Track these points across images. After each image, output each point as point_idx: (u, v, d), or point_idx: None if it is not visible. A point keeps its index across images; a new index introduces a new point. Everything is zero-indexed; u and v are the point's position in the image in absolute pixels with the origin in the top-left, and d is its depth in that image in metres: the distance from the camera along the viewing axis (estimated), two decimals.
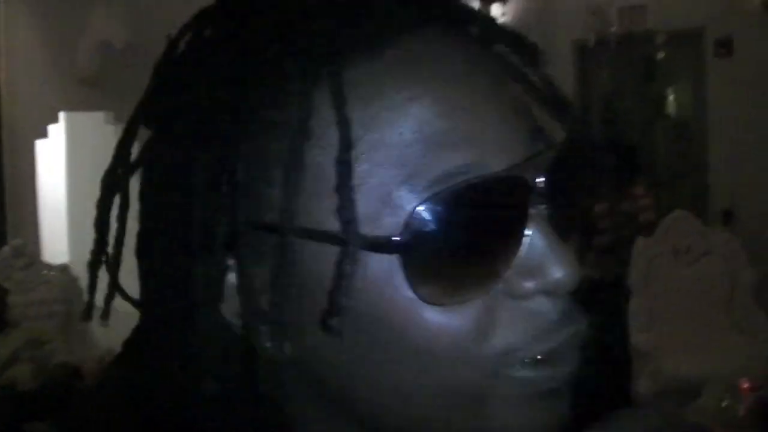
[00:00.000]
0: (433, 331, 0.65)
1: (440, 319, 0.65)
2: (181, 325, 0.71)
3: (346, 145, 0.63)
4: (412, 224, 0.63)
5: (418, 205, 0.63)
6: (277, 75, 0.65)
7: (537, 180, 0.66)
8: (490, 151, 0.65)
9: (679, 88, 9.35)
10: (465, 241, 0.65)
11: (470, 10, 0.74)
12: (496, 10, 8.70)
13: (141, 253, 0.82)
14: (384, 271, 0.65)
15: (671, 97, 9.57)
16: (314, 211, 0.65)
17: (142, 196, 0.80)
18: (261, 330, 0.68)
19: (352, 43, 0.65)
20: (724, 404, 4.36)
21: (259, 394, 0.71)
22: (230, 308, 0.70)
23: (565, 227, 0.68)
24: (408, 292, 0.65)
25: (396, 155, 0.64)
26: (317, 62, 0.64)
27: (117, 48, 7.83)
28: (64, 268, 7.28)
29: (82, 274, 6.96)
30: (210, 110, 0.68)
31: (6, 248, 7.31)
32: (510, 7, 8.52)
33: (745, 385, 4.47)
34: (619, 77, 9.21)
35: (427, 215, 0.63)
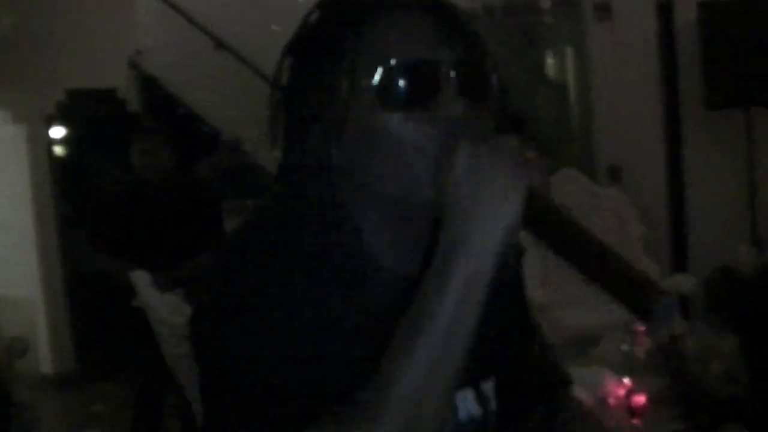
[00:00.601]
0: (398, 134, 1.36)
1: (400, 128, 1.36)
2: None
3: (354, 57, 1.40)
4: (383, 79, 1.37)
5: (387, 70, 1.37)
6: (330, 36, 1.43)
7: (451, 71, 1.38)
8: (426, 54, 1.39)
9: (558, 53, 9.60)
10: (408, 88, 1.37)
11: (435, 2, 1.44)
12: None
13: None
14: (373, 100, 1.38)
15: (551, 61, 9.82)
16: (345, 87, 1.40)
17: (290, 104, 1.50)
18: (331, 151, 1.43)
19: (365, 17, 1.41)
20: (623, 348, 4.52)
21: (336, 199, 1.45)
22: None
23: (469, 97, 1.40)
24: (383, 111, 1.37)
25: (382, 58, 1.38)
26: (349, 27, 1.41)
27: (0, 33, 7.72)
28: None
29: None
30: (315, 58, 1.46)
31: None
32: None
33: (641, 330, 4.66)
34: (502, 44, 9.41)
35: (390, 74, 1.37)
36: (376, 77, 1.36)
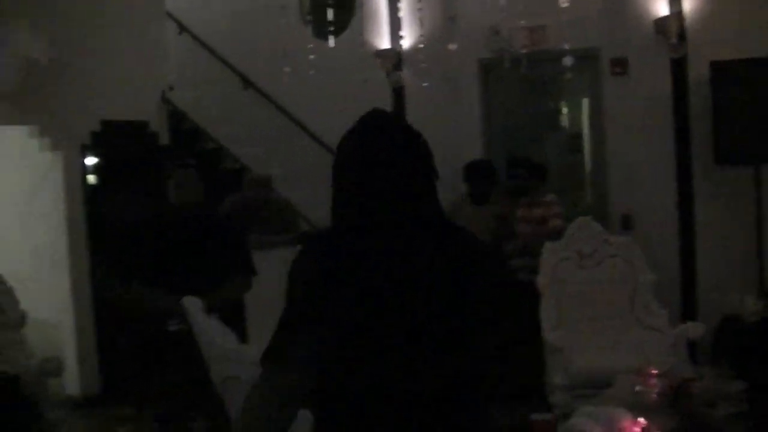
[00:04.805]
0: None
1: None
2: None
3: None
4: None
5: None
6: None
7: None
8: None
9: (572, 103, 9.88)
10: None
11: None
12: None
13: None
14: None
15: (565, 111, 10.09)
16: None
17: None
18: None
19: None
20: (637, 389, 4.76)
21: None
22: None
23: None
24: None
25: None
26: None
27: (41, 64, 7.93)
28: None
29: (15, 284, 7.08)
30: None
31: None
32: (417, 30, 8.92)
33: (654, 372, 4.91)
34: (519, 93, 9.69)
35: None
36: None
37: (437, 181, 2.32)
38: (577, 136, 9.64)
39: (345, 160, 2.33)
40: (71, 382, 8.31)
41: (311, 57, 8.55)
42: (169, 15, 10.19)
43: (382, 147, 2.29)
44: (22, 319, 7.31)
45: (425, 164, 2.31)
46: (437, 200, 2.33)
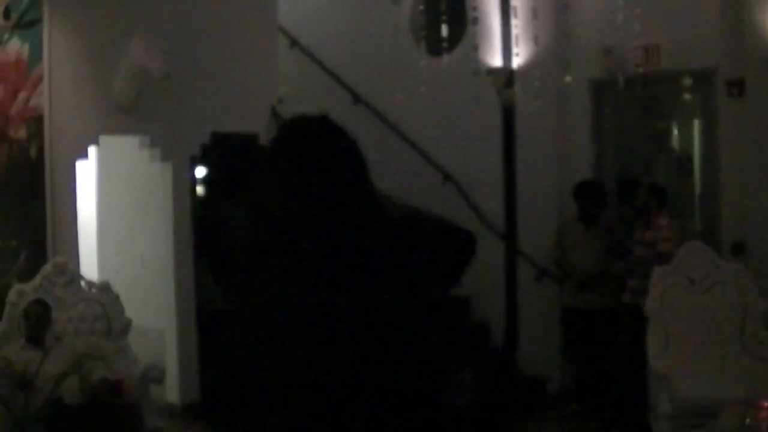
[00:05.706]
0: None
1: None
2: None
3: None
4: None
5: None
6: None
7: None
8: None
9: (683, 124, 9.66)
10: None
11: None
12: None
13: None
14: None
15: (675, 132, 9.89)
16: None
17: None
18: None
19: None
20: (747, 422, 4.61)
21: None
22: None
23: None
24: None
25: None
26: None
27: (155, 77, 8.03)
28: (105, 286, 7.49)
29: (121, 291, 7.16)
30: None
31: (48, 265, 7.49)
32: (530, 48, 8.84)
33: (764, 405, 4.75)
34: (630, 113, 9.53)
35: None
36: None
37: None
38: (688, 158, 9.45)
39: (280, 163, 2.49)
40: (171, 389, 8.40)
41: (422, 74, 8.53)
42: (281, 29, 10.26)
43: (308, 150, 2.47)
44: (126, 326, 7.41)
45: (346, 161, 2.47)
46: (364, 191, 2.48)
